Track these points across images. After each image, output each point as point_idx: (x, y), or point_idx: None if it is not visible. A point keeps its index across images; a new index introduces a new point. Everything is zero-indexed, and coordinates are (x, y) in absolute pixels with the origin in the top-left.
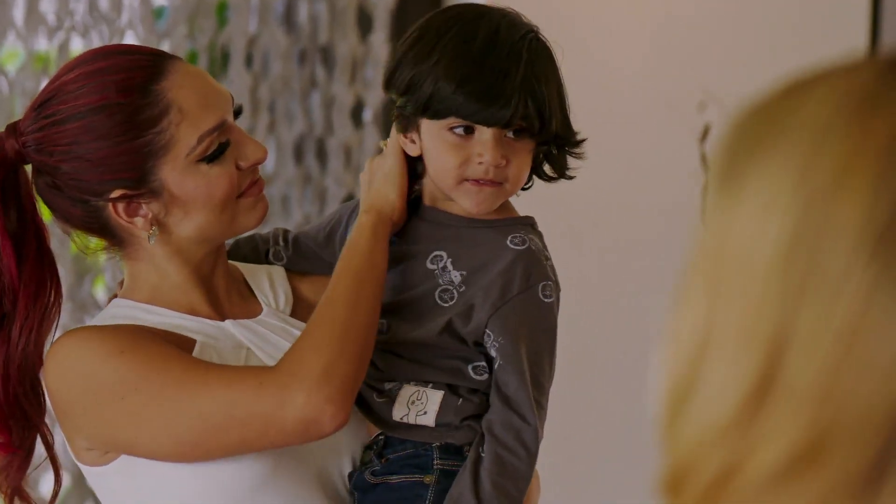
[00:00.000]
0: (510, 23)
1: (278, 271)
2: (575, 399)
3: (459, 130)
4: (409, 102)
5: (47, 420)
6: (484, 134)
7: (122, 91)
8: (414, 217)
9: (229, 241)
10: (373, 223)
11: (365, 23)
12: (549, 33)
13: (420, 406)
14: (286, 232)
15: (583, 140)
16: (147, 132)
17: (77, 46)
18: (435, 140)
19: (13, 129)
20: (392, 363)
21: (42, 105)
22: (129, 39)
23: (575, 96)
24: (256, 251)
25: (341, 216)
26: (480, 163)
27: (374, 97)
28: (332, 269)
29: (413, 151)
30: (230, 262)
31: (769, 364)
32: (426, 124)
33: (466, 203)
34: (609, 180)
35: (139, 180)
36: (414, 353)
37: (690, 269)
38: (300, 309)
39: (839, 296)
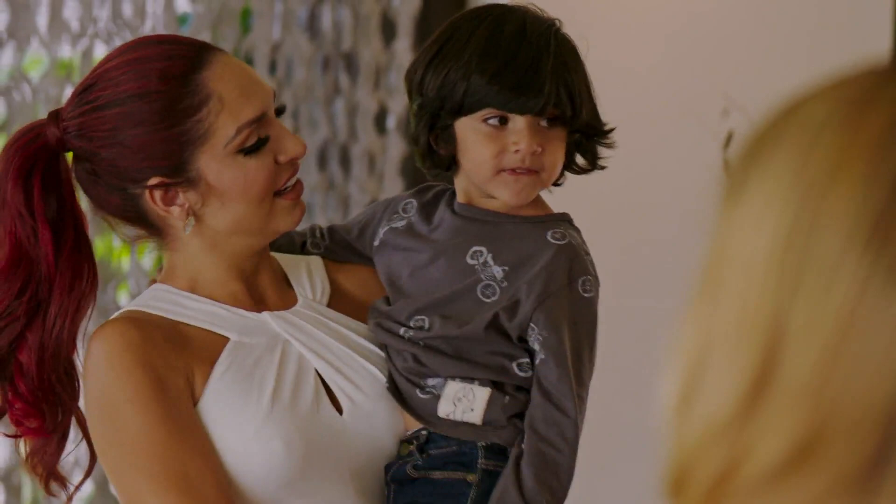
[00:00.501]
0: (534, 16)
1: (316, 262)
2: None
3: (494, 121)
4: (441, 105)
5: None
6: (518, 123)
7: (163, 79)
8: (448, 213)
9: None
10: None
11: (388, 29)
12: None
13: (467, 403)
14: (320, 226)
15: (612, 129)
16: (186, 121)
17: (100, 53)
18: (470, 134)
19: (55, 115)
20: (436, 359)
21: (84, 91)
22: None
23: None
24: (292, 243)
25: (375, 212)
26: (517, 151)
27: (398, 104)
28: (365, 260)
29: (444, 152)
30: (273, 253)
31: (766, 359)
32: (461, 122)
33: (504, 194)
34: (628, 185)
35: (176, 169)
36: (459, 350)
37: (699, 273)
38: (337, 299)
39: (833, 288)
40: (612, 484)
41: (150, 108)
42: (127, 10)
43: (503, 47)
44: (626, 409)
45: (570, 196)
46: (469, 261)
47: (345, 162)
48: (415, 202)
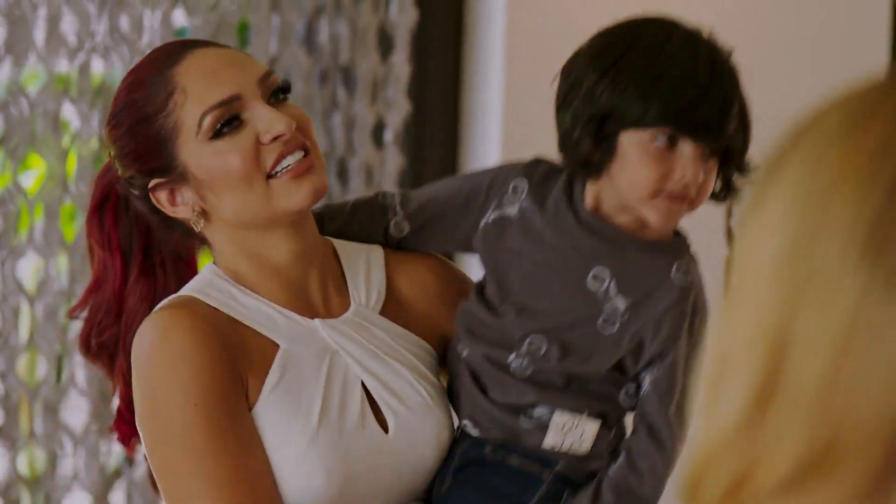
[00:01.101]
0: (713, 40)
1: (377, 255)
2: None
3: (663, 141)
4: (610, 114)
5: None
6: (687, 148)
7: (140, 84)
8: (571, 216)
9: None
10: None
11: (386, 43)
12: (562, 54)
13: (575, 436)
14: (405, 198)
15: (756, 164)
16: (157, 118)
17: (98, 67)
18: (636, 149)
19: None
20: (544, 390)
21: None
22: None
23: None
24: (373, 221)
25: (478, 186)
26: (682, 178)
27: (396, 117)
28: (457, 242)
29: (597, 160)
30: (335, 242)
31: (773, 369)
32: (628, 134)
33: (655, 218)
34: None
35: (165, 168)
36: (570, 382)
37: (727, 282)
38: (391, 304)
39: (833, 298)
40: None
41: (133, 114)
42: (124, 24)
43: (692, 71)
44: None
45: None
46: (590, 285)
47: (342, 175)
48: (525, 183)
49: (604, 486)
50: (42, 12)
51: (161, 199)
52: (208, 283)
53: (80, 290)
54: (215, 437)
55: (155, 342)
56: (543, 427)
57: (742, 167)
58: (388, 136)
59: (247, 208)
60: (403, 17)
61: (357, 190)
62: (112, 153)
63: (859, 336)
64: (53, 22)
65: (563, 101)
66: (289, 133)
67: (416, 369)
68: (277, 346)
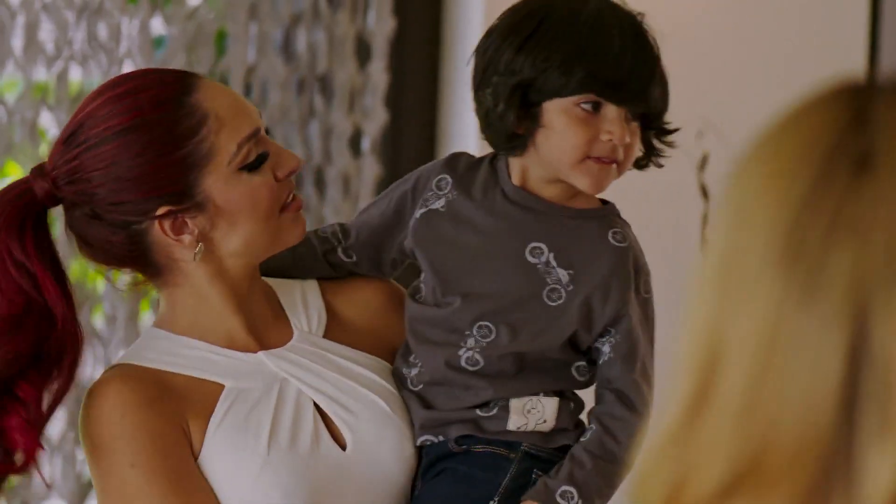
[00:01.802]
0: (627, 10)
1: (311, 286)
2: None
3: (587, 107)
4: (532, 84)
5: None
6: (611, 112)
7: (157, 106)
8: (499, 196)
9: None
10: None
11: (363, 52)
12: None
13: (538, 414)
14: (344, 227)
15: (678, 129)
16: (187, 143)
17: (76, 75)
18: (561, 117)
19: (40, 169)
20: (497, 382)
21: (71, 136)
22: (129, 68)
23: None
24: (314, 251)
25: (404, 194)
26: (609, 140)
27: (373, 126)
28: (404, 252)
29: (522, 132)
30: (263, 279)
31: (705, 378)
32: (552, 103)
33: (584, 182)
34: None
35: (183, 194)
36: (521, 367)
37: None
38: (333, 327)
39: (755, 307)
40: None
41: (148, 136)
42: (102, 32)
43: (613, 37)
44: None
45: None
46: (530, 258)
47: (319, 184)
48: (449, 177)
49: (580, 453)
50: (20, 20)
51: (165, 227)
52: (144, 345)
53: None
54: (155, 493)
55: (90, 414)
56: (503, 412)
57: (662, 130)
58: (366, 144)
59: (257, 239)
60: (381, 26)
61: (334, 199)
62: (77, 174)
63: (779, 345)
64: (31, 30)
65: (482, 80)
66: (299, 168)
67: (371, 382)
68: (222, 386)
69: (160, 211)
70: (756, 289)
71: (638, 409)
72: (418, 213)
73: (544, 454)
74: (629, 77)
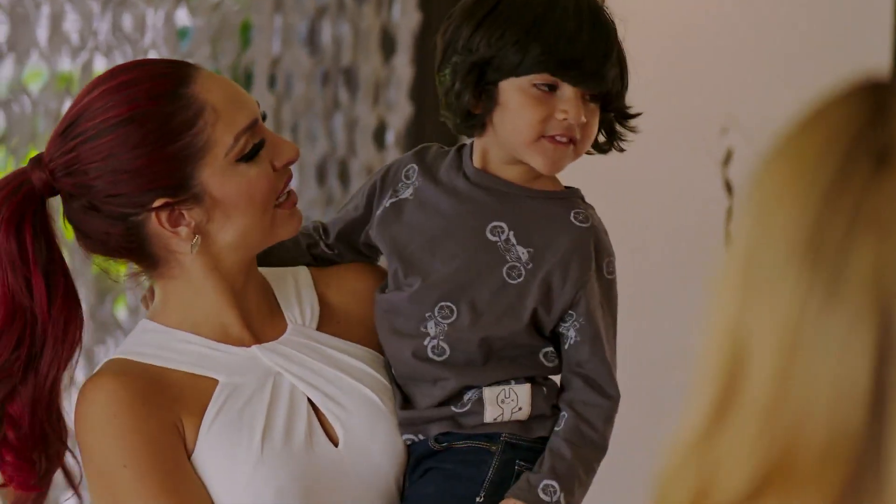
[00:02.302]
0: None
1: (304, 276)
2: None
3: (543, 87)
4: (489, 63)
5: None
6: (567, 91)
7: (153, 98)
8: (461, 179)
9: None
10: None
11: (388, 45)
12: None
13: (512, 403)
14: (324, 225)
15: (639, 113)
16: (184, 135)
17: (100, 66)
18: (517, 96)
19: (38, 160)
20: (466, 371)
21: (68, 128)
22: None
23: None
24: (298, 244)
25: (374, 186)
26: (564, 119)
27: (398, 119)
28: (384, 245)
29: (478, 111)
30: (262, 270)
31: (729, 382)
32: (508, 82)
33: (539, 161)
34: (625, 200)
35: (180, 186)
36: (488, 354)
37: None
38: (326, 318)
39: (778, 307)
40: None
41: (145, 129)
42: (127, 23)
43: (569, 16)
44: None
45: None
46: (490, 237)
47: (344, 177)
48: (416, 166)
49: (558, 444)
50: (45, 10)
51: (162, 219)
52: (138, 340)
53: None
54: (147, 494)
55: (83, 411)
56: (478, 406)
57: (622, 113)
58: (390, 137)
59: (253, 231)
60: (406, 20)
61: None
62: (74, 166)
63: (804, 343)
64: (56, 20)
65: (442, 60)
66: (296, 159)
67: (364, 375)
68: (216, 381)
69: (157, 203)
70: (779, 287)
71: (609, 394)
72: (387, 202)
73: (525, 443)
74: (584, 56)
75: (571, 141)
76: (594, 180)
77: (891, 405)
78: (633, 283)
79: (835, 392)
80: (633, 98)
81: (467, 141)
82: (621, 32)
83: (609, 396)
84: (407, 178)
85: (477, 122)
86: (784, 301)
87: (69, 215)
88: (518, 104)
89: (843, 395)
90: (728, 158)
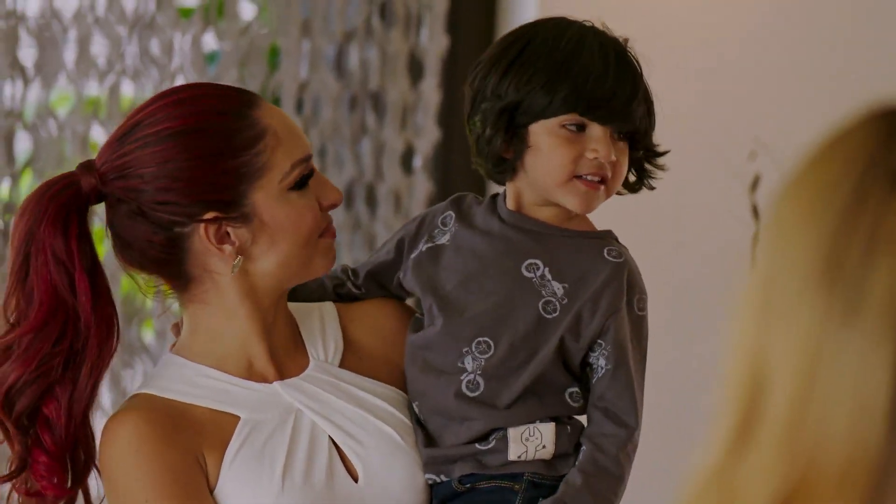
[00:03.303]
0: (609, 34)
1: (330, 311)
2: None
3: (572, 127)
4: (518, 106)
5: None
6: (596, 131)
7: (220, 113)
8: (496, 221)
9: None
10: None
11: (416, 69)
12: None
13: (536, 441)
14: (352, 268)
15: (667, 151)
16: (245, 153)
17: (128, 90)
18: (547, 138)
19: (87, 165)
20: (493, 412)
21: (126, 135)
22: (181, 83)
23: None
24: (323, 286)
25: (407, 231)
26: (595, 157)
27: (425, 144)
28: (418, 286)
29: (509, 156)
30: (288, 304)
31: (750, 402)
32: (537, 125)
33: (572, 201)
34: (653, 225)
35: (232, 203)
36: (519, 395)
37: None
38: (349, 355)
39: (797, 329)
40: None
41: (208, 140)
42: (155, 47)
43: (595, 58)
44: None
45: None
46: (525, 273)
47: (371, 201)
48: (453, 214)
49: (572, 475)
50: (72, 34)
51: (210, 233)
52: (162, 374)
53: None
54: None
55: (107, 446)
56: (502, 444)
57: (650, 150)
58: (418, 162)
59: (293, 261)
60: (434, 44)
61: (386, 216)
62: (127, 169)
63: (824, 364)
64: (84, 44)
65: (472, 108)
66: (341, 201)
67: (384, 413)
68: (238, 417)
69: (207, 215)
70: (798, 310)
71: (626, 423)
72: (423, 246)
73: (549, 482)
74: (611, 95)
75: (603, 180)
76: (623, 206)
77: None
78: (661, 309)
79: (854, 412)
80: (662, 126)
81: (500, 189)
82: (646, 72)
83: (625, 425)
84: (444, 224)
85: (508, 166)
86: (803, 323)
87: (112, 221)
88: (548, 146)
89: (862, 415)
90: (756, 183)
